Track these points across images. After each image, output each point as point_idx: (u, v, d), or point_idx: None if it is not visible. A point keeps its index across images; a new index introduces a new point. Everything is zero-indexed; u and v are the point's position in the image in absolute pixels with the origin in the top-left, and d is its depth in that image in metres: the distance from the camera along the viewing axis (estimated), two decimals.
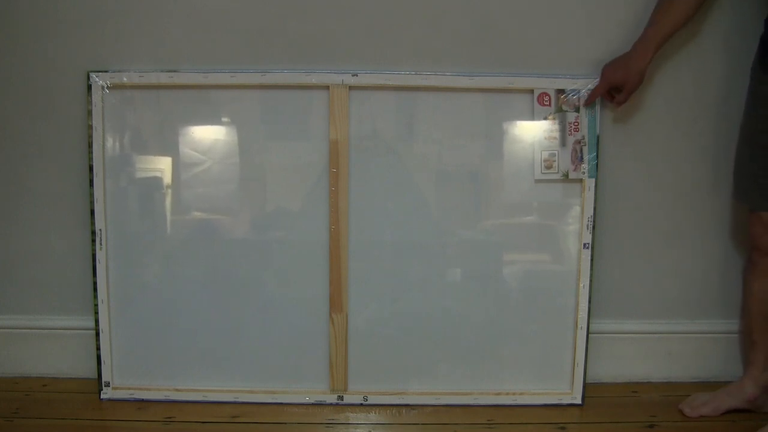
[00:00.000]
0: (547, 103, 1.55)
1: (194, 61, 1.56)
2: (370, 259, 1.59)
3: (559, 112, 1.55)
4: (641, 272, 1.68)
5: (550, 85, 1.54)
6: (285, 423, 1.50)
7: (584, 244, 1.57)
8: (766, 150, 1.42)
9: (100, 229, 1.56)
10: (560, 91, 1.54)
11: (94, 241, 1.57)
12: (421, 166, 1.59)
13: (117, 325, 1.60)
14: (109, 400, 1.60)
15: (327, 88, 1.54)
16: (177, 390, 1.60)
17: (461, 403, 1.59)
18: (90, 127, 1.55)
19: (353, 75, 1.53)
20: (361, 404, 1.59)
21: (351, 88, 1.54)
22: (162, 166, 1.59)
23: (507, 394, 1.60)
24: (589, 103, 1.53)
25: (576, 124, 1.55)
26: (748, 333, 1.54)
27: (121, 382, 1.61)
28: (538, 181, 1.57)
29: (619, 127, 1.60)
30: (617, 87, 1.50)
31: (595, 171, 1.55)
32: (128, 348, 1.61)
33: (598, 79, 1.53)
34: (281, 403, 1.58)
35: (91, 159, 1.55)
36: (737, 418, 1.51)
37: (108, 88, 1.55)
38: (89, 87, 1.54)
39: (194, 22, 1.56)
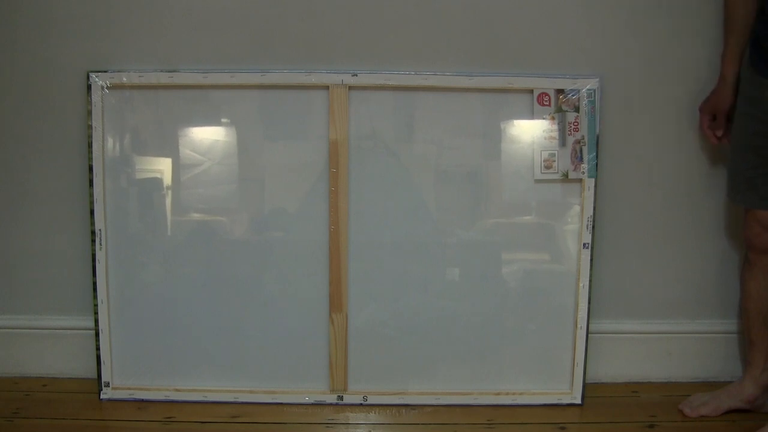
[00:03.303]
0: (547, 103, 1.55)
1: (194, 61, 1.56)
2: (370, 259, 1.59)
3: (559, 112, 1.55)
4: (641, 272, 1.68)
5: (549, 85, 1.54)
6: (285, 423, 1.50)
7: (584, 244, 1.57)
8: (759, 150, 1.42)
9: (100, 229, 1.56)
10: (560, 91, 1.54)
11: (93, 241, 1.57)
12: (420, 166, 1.59)
13: (117, 325, 1.60)
14: (109, 400, 1.60)
15: (327, 88, 1.54)
16: (177, 390, 1.60)
17: (461, 403, 1.59)
18: (90, 127, 1.55)
19: (353, 75, 1.53)
20: (361, 404, 1.59)
21: (351, 88, 1.54)
22: (162, 165, 1.59)
23: (507, 394, 1.60)
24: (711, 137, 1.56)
25: (576, 124, 1.55)
26: (747, 333, 1.54)
27: (121, 382, 1.61)
28: (537, 181, 1.57)
29: (619, 127, 1.60)
30: (714, 116, 1.53)
31: (595, 171, 1.55)
32: (128, 348, 1.61)
33: (595, 79, 1.54)
34: (281, 403, 1.58)
35: (90, 159, 1.55)
36: (737, 418, 1.51)
37: (108, 88, 1.55)
38: (89, 87, 1.54)
39: (194, 22, 1.56)
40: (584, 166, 1.55)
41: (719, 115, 1.52)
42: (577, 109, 1.54)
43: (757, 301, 1.51)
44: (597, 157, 1.55)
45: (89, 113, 1.55)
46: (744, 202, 1.48)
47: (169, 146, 1.58)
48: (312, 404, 1.59)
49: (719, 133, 1.54)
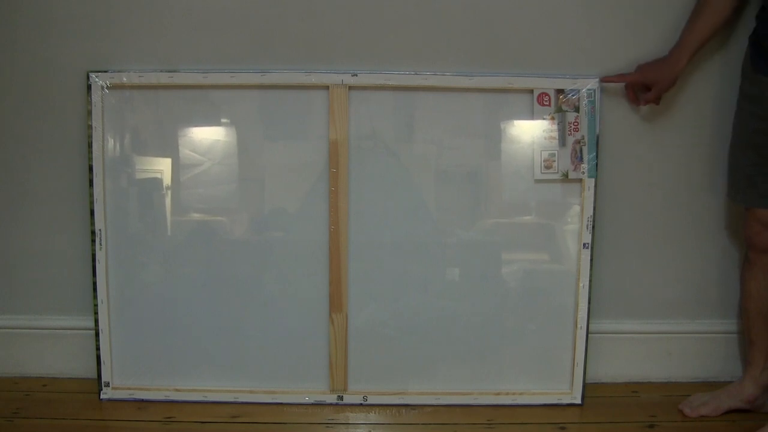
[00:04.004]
0: (547, 103, 1.55)
1: (194, 61, 1.56)
2: (370, 259, 1.59)
3: (559, 112, 1.55)
4: (641, 272, 1.68)
5: (549, 85, 1.54)
6: (285, 423, 1.51)
7: (584, 244, 1.57)
8: (759, 148, 1.43)
9: (100, 229, 1.56)
10: (560, 91, 1.54)
11: (94, 241, 1.57)
12: (420, 166, 1.59)
13: (117, 325, 1.60)
14: (109, 400, 1.60)
15: (327, 88, 1.54)
16: (177, 390, 1.60)
17: (461, 403, 1.59)
18: (90, 127, 1.55)
19: (353, 75, 1.53)
20: (361, 404, 1.59)
21: (351, 88, 1.54)
22: (162, 165, 1.59)
23: (507, 394, 1.60)
24: (610, 81, 1.54)
25: (576, 124, 1.55)
26: (747, 332, 1.54)
27: (121, 382, 1.61)
28: (537, 181, 1.57)
29: (619, 127, 1.60)
30: (647, 85, 1.52)
31: (595, 171, 1.55)
32: (128, 348, 1.61)
33: (595, 79, 1.54)
34: (281, 403, 1.58)
35: (90, 159, 1.55)
36: (737, 418, 1.51)
37: (108, 88, 1.55)
38: (89, 87, 1.54)
39: (194, 22, 1.56)
40: (584, 166, 1.55)
41: (655, 93, 1.51)
42: (577, 109, 1.54)
43: (758, 300, 1.51)
44: (597, 157, 1.55)
45: (89, 113, 1.55)
46: (744, 201, 1.48)
47: (169, 146, 1.58)
48: (312, 404, 1.59)
49: (643, 105, 1.54)
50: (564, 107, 1.55)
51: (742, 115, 1.47)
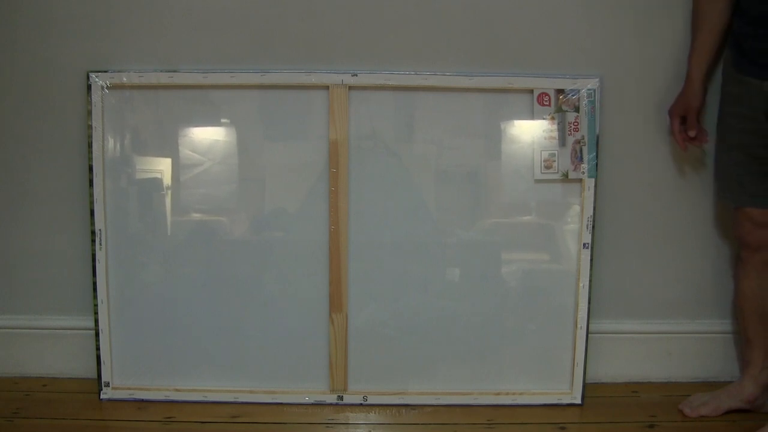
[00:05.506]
0: (547, 103, 1.55)
1: (194, 61, 1.56)
2: (370, 259, 1.59)
3: (559, 112, 1.55)
4: (641, 272, 1.68)
5: (549, 85, 1.54)
6: (285, 423, 1.51)
7: (584, 244, 1.57)
8: (746, 148, 1.43)
9: (100, 229, 1.56)
10: (560, 91, 1.54)
11: (93, 241, 1.57)
12: (420, 166, 1.59)
13: (117, 325, 1.60)
14: (109, 400, 1.60)
15: (327, 88, 1.54)
16: (177, 390, 1.60)
17: (461, 403, 1.59)
18: (90, 127, 1.55)
19: (353, 75, 1.53)
20: (361, 404, 1.59)
21: (351, 88, 1.54)
22: (162, 165, 1.59)
23: (507, 394, 1.60)
24: (684, 148, 1.53)
25: (576, 123, 1.55)
26: (743, 332, 1.55)
27: (121, 382, 1.61)
28: (537, 181, 1.57)
29: (619, 127, 1.60)
30: (684, 117, 1.52)
31: (595, 171, 1.55)
32: (128, 348, 1.61)
33: (595, 79, 1.54)
34: (281, 403, 1.58)
35: (90, 159, 1.55)
36: (737, 418, 1.51)
37: (108, 88, 1.55)
38: (89, 87, 1.54)
39: (194, 22, 1.56)
40: (584, 166, 1.55)
41: (690, 116, 1.50)
42: (577, 109, 1.55)
43: (752, 300, 1.51)
44: (597, 157, 1.55)
45: (89, 113, 1.55)
46: (733, 201, 1.49)
47: (169, 146, 1.58)
48: (312, 404, 1.59)
49: (692, 133, 1.51)
50: (564, 107, 1.55)
51: (726, 116, 1.47)
